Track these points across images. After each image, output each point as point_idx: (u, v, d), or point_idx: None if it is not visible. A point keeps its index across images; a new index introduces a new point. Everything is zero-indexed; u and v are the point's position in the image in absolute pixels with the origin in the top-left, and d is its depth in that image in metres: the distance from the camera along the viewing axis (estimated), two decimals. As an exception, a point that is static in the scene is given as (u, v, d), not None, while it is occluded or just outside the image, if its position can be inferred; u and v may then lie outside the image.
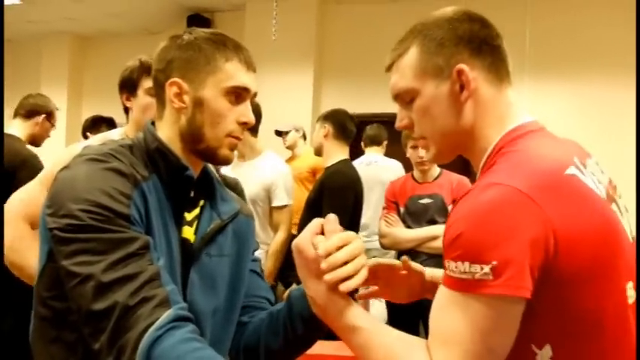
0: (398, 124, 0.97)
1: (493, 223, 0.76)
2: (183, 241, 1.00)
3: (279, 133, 4.07)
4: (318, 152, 2.97)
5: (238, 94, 1.00)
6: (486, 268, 0.75)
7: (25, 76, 6.75)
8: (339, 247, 0.85)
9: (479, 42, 0.91)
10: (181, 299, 0.86)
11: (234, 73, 0.99)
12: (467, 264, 0.76)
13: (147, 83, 1.77)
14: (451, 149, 0.95)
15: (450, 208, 2.72)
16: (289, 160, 4.11)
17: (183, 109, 0.99)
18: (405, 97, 0.94)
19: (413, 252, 2.63)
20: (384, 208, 2.84)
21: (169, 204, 0.97)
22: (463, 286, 0.77)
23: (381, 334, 0.85)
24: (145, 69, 1.78)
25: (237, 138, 1.02)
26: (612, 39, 4.39)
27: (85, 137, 3.50)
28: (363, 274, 0.86)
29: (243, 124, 1.02)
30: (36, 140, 2.81)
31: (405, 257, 1.12)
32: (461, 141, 0.93)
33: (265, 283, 1.18)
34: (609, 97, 4.44)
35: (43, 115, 2.79)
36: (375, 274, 1.08)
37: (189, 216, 1.02)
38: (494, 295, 0.75)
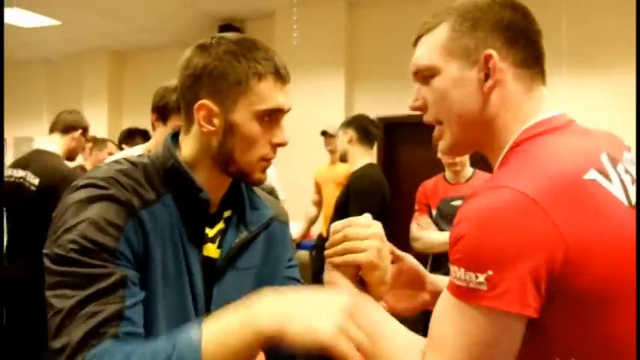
0: (412, 103, 0.91)
1: (494, 230, 0.70)
2: (206, 259, 0.97)
3: (324, 133, 4.08)
4: (344, 158, 2.99)
5: (272, 115, 0.93)
6: (481, 277, 0.70)
7: (67, 92, 7.00)
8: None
9: (516, 32, 0.83)
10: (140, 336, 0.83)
11: (268, 94, 0.91)
12: (462, 270, 0.72)
13: (176, 121, 1.81)
14: (467, 140, 0.88)
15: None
16: (330, 163, 4.12)
17: (213, 132, 0.93)
18: (425, 74, 0.88)
19: (445, 255, 2.58)
20: (415, 211, 2.80)
21: (184, 223, 0.94)
22: (459, 292, 0.73)
23: (383, 333, 0.83)
24: (178, 107, 1.82)
25: (270, 159, 0.97)
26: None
27: (121, 149, 3.60)
28: (357, 257, 0.87)
29: (277, 145, 0.96)
30: (72, 155, 2.90)
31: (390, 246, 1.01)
32: (478, 133, 0.86)
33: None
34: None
35: (80, 131, 2.87)
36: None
37: (211, 232, 0.99)
38: (489, 308, 0.70)
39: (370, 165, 2.90)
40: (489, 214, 0.71)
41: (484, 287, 0.70)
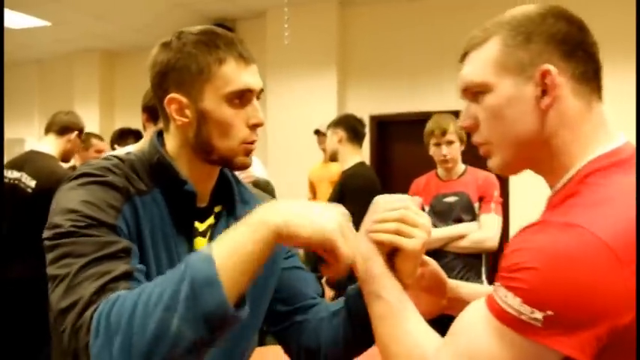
0: (461, 122, 0.87)
1: (566, 274, 0.66)
2: None
3: (317, 132, 4.12)
4: (334, 157, 3.06)
5: (242, 97, 0.94)
6: (538, 314, 0.67)
7: (58, 93, 6.97)
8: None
9: (573, 45, 0.79)
10: None
11: (232, 75, 0.93)
12: (518, 300, 0.68)
13: None
14: (520, 161, 0.84)
15: (476, 206, 2.69)
16: (324, 162, 4.14)
17: (187, 123, 0.95)
18: (475, 92, 0.84)
19: (439, 252, 2.61)
20: (409, 208, 2.83)
21: (173, 217, 0.95)
22: (504, 318, 0.70)
23: (400, 314, 0.83)
24: None
25: (252, 142, 0.97)
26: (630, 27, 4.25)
27: (113, 149, 3.59)
28: (405, 241, 0.87)
29: (254, 126, 0.96)
30: (67, 156, 2.90)
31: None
32: (534, 154, 0.82)
33: (310, 275, 1.15)
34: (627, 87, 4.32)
35: (76, 132, 2.87)
36: None
37: (201, 226, 1.00)
38: (538, 342, 0.68)
39: (361, 164, 2.97)
40: (563, 255, 0.67)
41: (538, 324, 0.67)
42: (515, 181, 4.55)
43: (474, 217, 2.67)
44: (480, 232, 2.64)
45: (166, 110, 0.96)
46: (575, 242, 0.67)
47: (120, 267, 0.80)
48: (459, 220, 2.65)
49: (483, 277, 2.76)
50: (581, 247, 0.67)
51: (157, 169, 0.96)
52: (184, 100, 0.94)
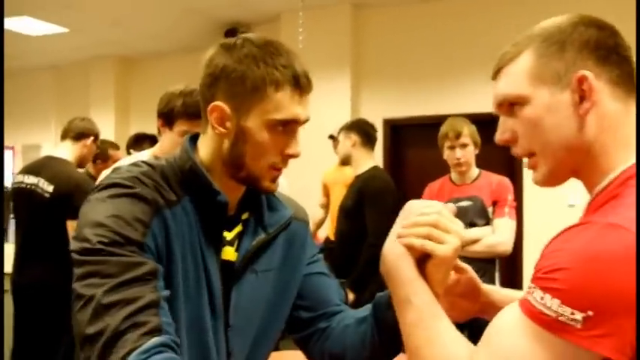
0: (499, 136, 0.87)
1: (606, 272, 0.66)
2: (224, 263, 0.97)
3: (332, 137, 4.14)
4: (346, 161, 3.06)
5: (287, 125, 0.92)
6: (577, 315, 0.67)
7: (74, 99, 7.07)
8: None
9: (607, 50, 0.80)
10: (174, 334, 0.81)
11: (284, 103, 0.91)
12: (556, 301, 0.68)
13: (182, 126, 1.83)
14: (566, 168, 0.84)
15: (490, 210, 2.68)
16: (339, 165, 4.14)
17: (225, 134, 0.93)
18: (511, 105, 0.84)
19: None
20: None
21: (203, 226, 0.94)
22: (541, 321, 0.69)
23: (431, 319, 0.82)
24: (184, 112, 1.82)
25: (279, 169, 0.96)
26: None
27: (129, 154, 3.63)
28: (437, 247, 0.85)
29: (289, 156, 0.95)
30: (83, 162, 2.93)
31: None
32: (576, 160, 0.82)
33: (334, 282, 1.15)
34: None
35: (92, 138, 2.90)
36: None
37: (229, 235, 0.99)
38: (577, 345, 0.67)
39: (376, 167, 2.99)
40: (603, 256, 0.67)
41: (578, 325, 0.67)
42: (529, 185, 4.51)
43: (487, 222, 2.66)
44: (494, 236, 2.62)
45: (207, 115, 0.95)
46: (617, 243, 0.67)
47: (147, 294, 0.80)
48: (473, 225, 2.63)
49: (497, 282, 2.74)
50: (622, 247, 0.66)
51: (188, 177, 0.94)
52: (229, 111, 0.92)
